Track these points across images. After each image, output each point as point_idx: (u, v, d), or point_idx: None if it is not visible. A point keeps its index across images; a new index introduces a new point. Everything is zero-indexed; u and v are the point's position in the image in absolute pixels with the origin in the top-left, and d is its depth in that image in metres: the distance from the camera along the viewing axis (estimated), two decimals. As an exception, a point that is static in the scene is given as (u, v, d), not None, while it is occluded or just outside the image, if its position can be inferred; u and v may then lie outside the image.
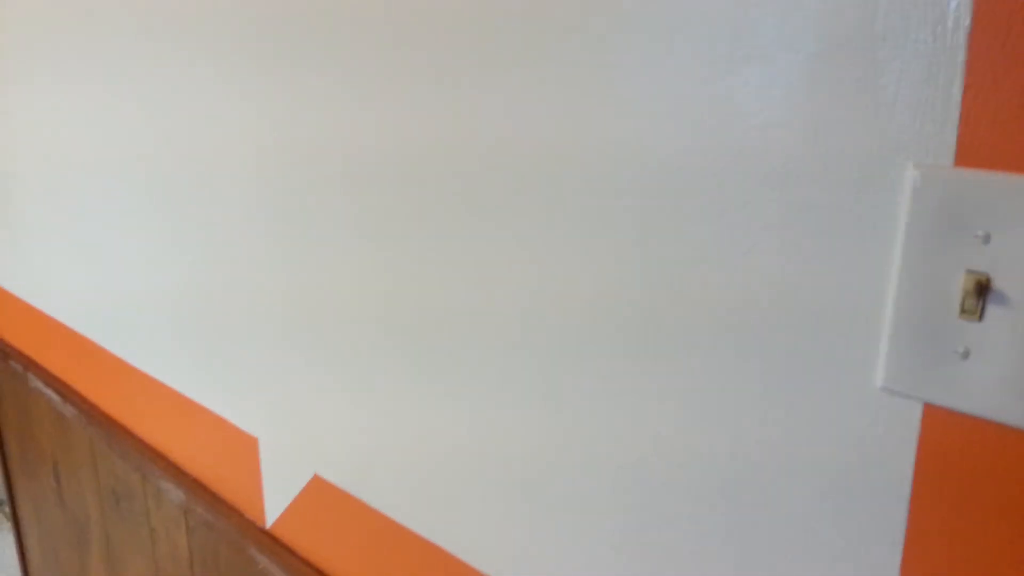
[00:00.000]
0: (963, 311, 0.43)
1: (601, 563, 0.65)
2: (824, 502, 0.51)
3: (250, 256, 0.94)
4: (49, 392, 1.49)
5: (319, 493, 0.92)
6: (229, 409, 1.05)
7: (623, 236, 0.57)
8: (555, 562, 0.68)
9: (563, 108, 0.58)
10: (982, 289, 0.43)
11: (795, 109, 0.47)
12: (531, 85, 0.60)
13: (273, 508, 1.01)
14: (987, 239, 0.42)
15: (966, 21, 0.40)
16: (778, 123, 0.48)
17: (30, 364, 1.55)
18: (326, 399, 0.88)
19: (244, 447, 1.03)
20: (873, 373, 0.48)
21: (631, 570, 0.63)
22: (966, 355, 0.44)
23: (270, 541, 1.01)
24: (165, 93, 1.00)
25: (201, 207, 0.99)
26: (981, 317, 0.43)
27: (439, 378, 0.74)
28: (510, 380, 0.68)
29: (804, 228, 0.49)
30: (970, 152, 0.42)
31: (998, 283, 0.42)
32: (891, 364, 0.47)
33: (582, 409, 0.63)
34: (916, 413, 0.46)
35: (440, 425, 0.75)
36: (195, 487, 1.15)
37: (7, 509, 1.92)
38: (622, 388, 0.60)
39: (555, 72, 0.58)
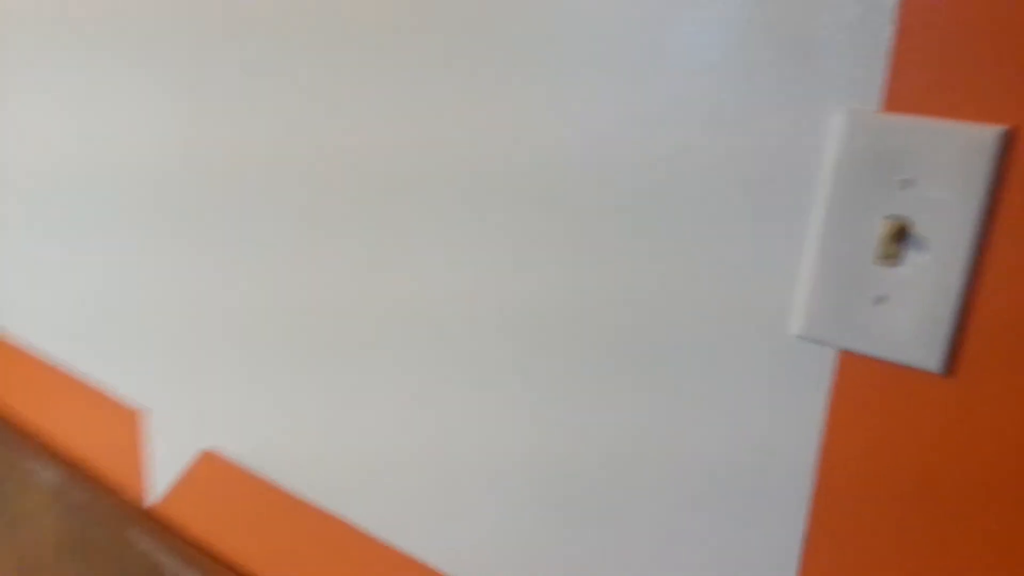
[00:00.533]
0: (882, 256, 0.45)
1: (495, 529, 0.64)
2: (733, 452, 0.51)
3: (133, 218, 0.88)
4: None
5: (211, 468, 0.88)
6: (110, 380, 0.98)
7: (543, 194, 0.56)
8: (465, 532, 0.67)
9: (479, 64, 0.57)
10: (902, 234, 0.44)
11: (727, 53, 0.48)
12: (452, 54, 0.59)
13: (157, 487, 0.95)
14: (909, 184, 0.43)
15: (897, -34, 0.42)
16: (710, 68, 0.48)
17: None
18: (218, 370, 0.84)
19: (126, 422, 0.97)
20: (789, 321, 0.48)
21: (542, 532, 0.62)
22: (882, 300, 0.45)
23: (152, 521, 0.96)
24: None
25: (73, 173, 0.93)
26: (899, 263, 0.44)
27: (343, 347, 0.72)
28: (416, 351, 0.66)
29: (730, 176, 0.49)
30: (898, 97, 0.43)
31: (917, 229, 0.43)
32: (808, 311, 0.47)
33: (480, 384, 0.62)
34: (830, 360, 0.47)
35: (345, 394, 0.73)
36: (71, 467, 1.07)
37: None
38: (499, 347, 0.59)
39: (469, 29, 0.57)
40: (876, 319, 0.45)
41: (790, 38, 0.45)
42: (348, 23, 0.65)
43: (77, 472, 1.05)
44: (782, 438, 0.49)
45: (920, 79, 0.42)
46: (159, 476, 0.95)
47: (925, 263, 0.43)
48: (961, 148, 0.41)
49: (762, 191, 0.48)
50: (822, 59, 0.44)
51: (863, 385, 0.46)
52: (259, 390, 0.80)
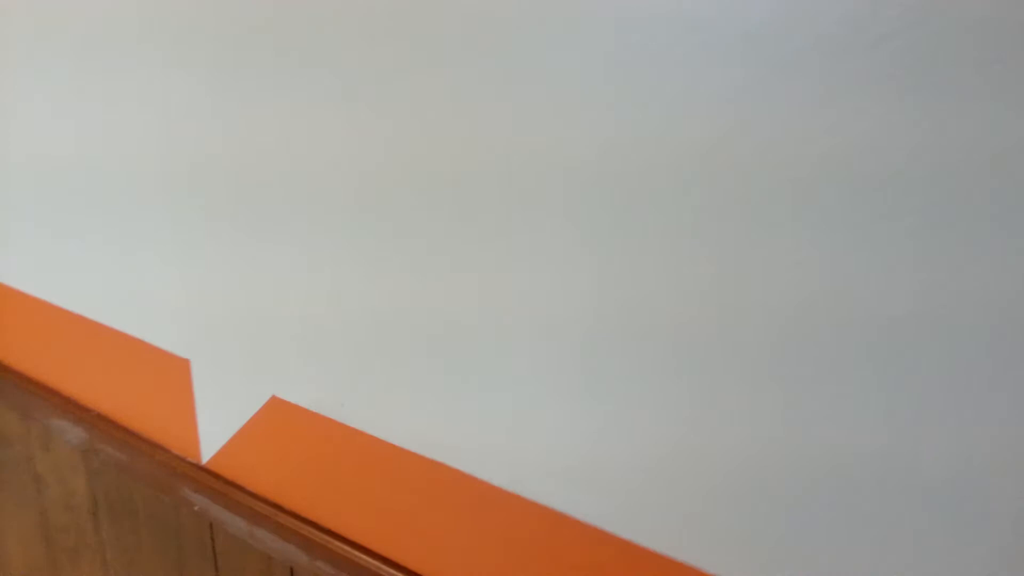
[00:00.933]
0: None
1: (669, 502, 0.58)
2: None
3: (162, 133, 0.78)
4: None
5: (277, 416, 0.80)
6: (148, 329, 0.89)
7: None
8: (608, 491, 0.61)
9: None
10: None
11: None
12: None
13: (211, 440, 0.88)
14: None
15: None
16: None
17: None
18: (281, 307, 0.76)
19: (171, 372, 0.88)
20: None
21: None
22: None
23: (209, 477, 0.88)
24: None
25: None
26: None
27: (426, 266, 0.64)
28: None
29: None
30: None
31: None
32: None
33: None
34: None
35: (425, 321, 0.65)
36: (100, 424, 0.98)
37: None
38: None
39: None
40: None
41: None
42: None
43: (111, 430, 0.97)
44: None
45: None
46: (214, 429, 0.87)
47: None
48: None
49: None
50: None
51: None
52: (323, 331, 0.73)
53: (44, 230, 0.97)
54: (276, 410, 0.80)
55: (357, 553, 0.77)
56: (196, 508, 0.90)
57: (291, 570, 0.84)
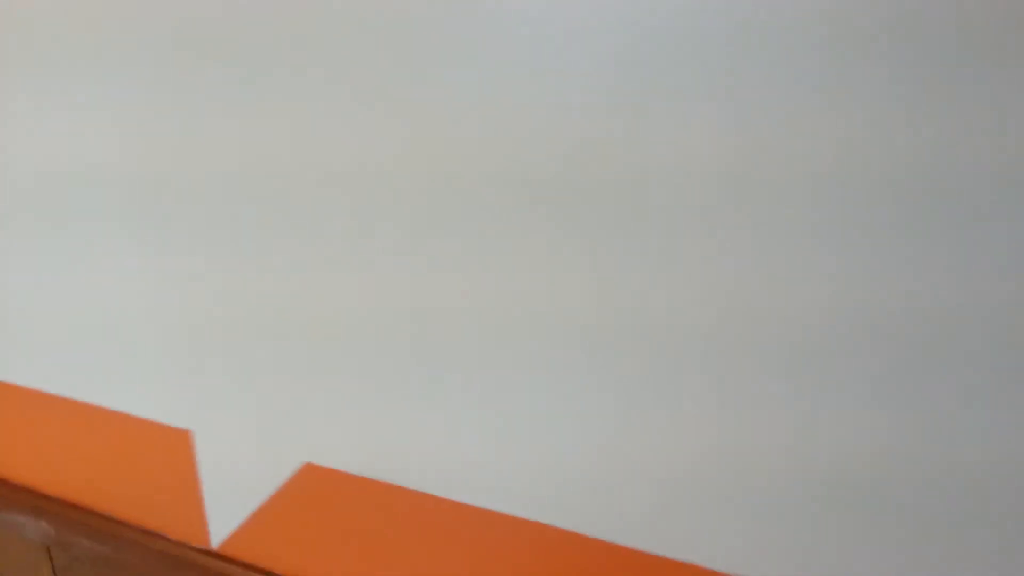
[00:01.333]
0: None
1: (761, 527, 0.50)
2: None
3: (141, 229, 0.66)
4: None
5: (314, 485, 0.68)
6: (133, 400, 0.76)
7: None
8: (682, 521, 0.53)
9: None
10: None
11: None
12: None
13: (224, 521, 0.75)
14: None
15: None
16: None
17: None
18: (304, 354, 0.64)
19: (167, 447, 0.75)
20: None
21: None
22: None
23: (224, 564, 0.75)
24: None
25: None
26: None
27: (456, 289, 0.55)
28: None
29: None
30: None
31: None
32: None
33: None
34: None
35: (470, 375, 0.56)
36: (70, 514, 0.84)
37: None
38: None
39: None
40: None
41: None
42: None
43: (90, 518, 0.82)
44: None
45: None
46: (225, 508, 0.74)
47: None
48: None
49: None
50: None
51: None
52: (366, 376, 0.62)
53: (-19, 293, 0.81)
54: (311, 478, 0.68)
55: (426, 633, 0.66)
56: (209, 601, 0.77)
57: (340, 661, 0.72)
